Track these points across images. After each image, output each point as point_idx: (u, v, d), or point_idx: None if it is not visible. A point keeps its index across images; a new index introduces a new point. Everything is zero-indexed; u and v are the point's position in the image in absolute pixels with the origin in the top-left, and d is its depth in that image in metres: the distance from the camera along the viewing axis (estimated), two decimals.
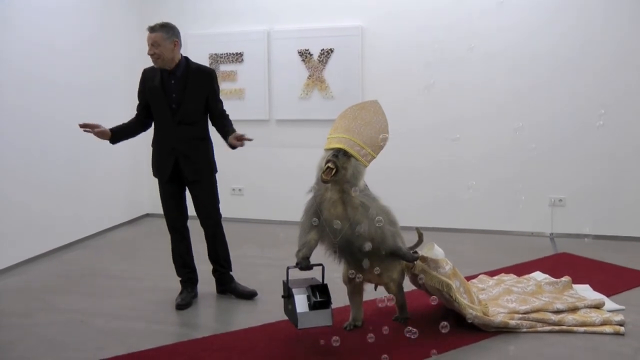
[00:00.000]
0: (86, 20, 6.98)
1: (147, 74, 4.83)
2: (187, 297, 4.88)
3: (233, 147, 4.65)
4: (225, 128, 4.77)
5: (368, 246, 3.86)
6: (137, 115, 4.91)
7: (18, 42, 5.94)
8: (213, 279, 5.10)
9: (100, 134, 4.68)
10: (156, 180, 4.94)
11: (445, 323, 3.86)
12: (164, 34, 4.57)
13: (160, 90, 4.69)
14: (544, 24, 6.61)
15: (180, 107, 4.69)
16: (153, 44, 4.57)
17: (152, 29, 4.60)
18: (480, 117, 6.89)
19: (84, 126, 4.63)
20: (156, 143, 4.87)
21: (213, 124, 4.90)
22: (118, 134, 4.79)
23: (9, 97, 5.85)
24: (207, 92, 4.77)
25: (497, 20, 6.74)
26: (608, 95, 6.50)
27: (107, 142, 4.80)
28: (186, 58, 4.79)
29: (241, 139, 4.57)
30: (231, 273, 5.09)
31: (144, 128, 4.93)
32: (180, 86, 4.69)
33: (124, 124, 4.87)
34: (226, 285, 5.05)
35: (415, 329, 3.85)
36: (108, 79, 7.29)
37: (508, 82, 6.76)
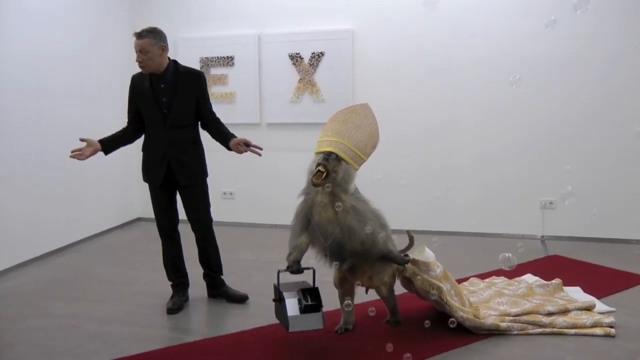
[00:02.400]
0: (78, 26, 6.96)
1: (136, 80, 4.79)
2: (178, 302, 4.87)
3: (238, 152, 4.71)
4: (222, 131, 4.80)
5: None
6: (129, 123, 4.87)
7: (10, 47, 5.93)
8: (204, 283, 5.09)
9: (91, 151, 4.64)
10: (147, 184, 4.92)
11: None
12: (152, 40, 4.53)
13: (150, 94, 4.65)
14: (535, 30, 6.62)
15: (171, 110, 4.66)
16: (141, 51, 4.53)
17: (139, 35, 4.54)
18: (471, 120, 6.91)
19: (74, 153, 4.63)
20: (147, 148, 4.84)
21: (204, 128, 4.90)
22: (110, 144, 4.75)
23: (0, 102, 5.83)
24: (197, 93, 4.75)
25: (488, 25, 6.76)
26: (598, 99, 6.53)
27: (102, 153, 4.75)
28: (174, 61, 4.75)
29: (249, 146, 4.63)
30: (222, 277, 5.09)
31: (138, 134, 4.89)
32: (170, 90, 4.66)
33: (115, 134, 4.83)
34: (217, 289, 5.04)
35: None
36: (100, 84, 7.28)
37: (499, 87, 6.76)
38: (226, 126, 4.87)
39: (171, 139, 4.70)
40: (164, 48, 4.62)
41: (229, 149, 4.74)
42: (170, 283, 5.00)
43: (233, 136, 4.75)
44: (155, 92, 4.66)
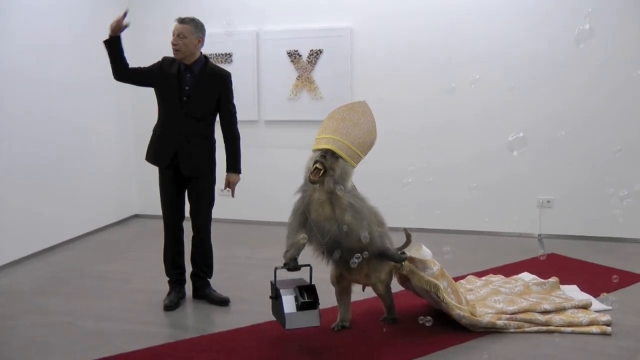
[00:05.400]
0: (75, 18, 6.93)
1: (165, 62, 4.82)
2: (175, 298, 4.86)
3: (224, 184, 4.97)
4: (233, 153, 4.91)
5: (365, 238, 3.88)
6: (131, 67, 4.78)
7: (6, 40, 5.91)
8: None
9: (117, 27, 4.62)
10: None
11: (429, 318, 4.02)
12: (192, 28, 4.66)
13: (175, 79, 4.71)
14: (534, 28, 6.63)
15: (191, 100, 4.71)
16: (179, 35, 4.63)
17: (181, 20, 4.68)
18: (469, 119, 6.91)
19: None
20: (159, 131, 4.84)
21: (221, 126, 4.94)
22: (120, 45, 4.69)
23: None
24: (220, 93, 4.83)
25: (487, 23, 6.76)
26: (596, 98, 6.54)
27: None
28: (205, 57, 4.84)
29: (229, 187, 4.97)
30: (209, 280, 5.06)
31: (123, 71, 4.74)
32: (194, 81, 4.73)
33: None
34: (201, 291, 5.00)
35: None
36: (96, 77, 7.22)
37: (497, 85, 6.77)
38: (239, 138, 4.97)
39: (185, 128, 4.74)
40: (200, 40, 4.75)
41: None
42: (168, 279, 4.99)
43: (233, 169, 4.91)
44: (180, 79, 4.72)
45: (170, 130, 4.75)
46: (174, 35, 4.65)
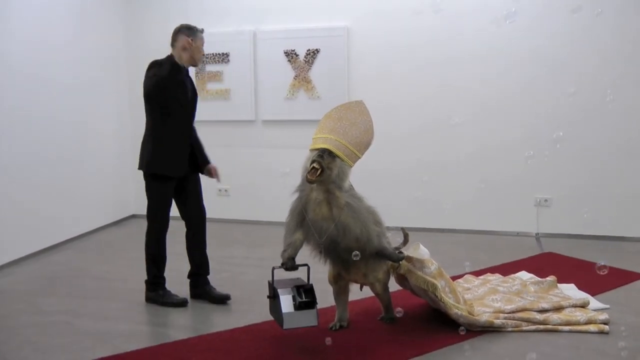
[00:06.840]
0: (74, 18, 6.93)
1: (167, 68, 4.64)
2: (175, 295, 4.89)
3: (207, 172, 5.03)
4: (201, 147, 5.01)
5: (355, 255, 3.90)
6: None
7: (4, 39, 5.90)
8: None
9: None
10: (143, 182, 4.92)
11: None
12: None
13: (183, 85, 4.74)
14: (531, 25, 6.63)
15: (190, 104, 4.82)
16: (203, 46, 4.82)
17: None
18: (467, 118, 6.90)
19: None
20: (172, 139, 4.74)
21: None
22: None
23: None
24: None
25: (484, 21, 6.75)
26: (594, 96, 6.53)
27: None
28: None
29: (215, 174, 5.01)
30: (207, 277, 5.08)
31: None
32: (190, 85, 4.84)
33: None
34: (200, 289, 4.98)
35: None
36: (94, 77, 7.24)
37: (495, 83, 6.78)
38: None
39: (189, 133, 4.86)
40: None
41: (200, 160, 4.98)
42: (161, 281, 4.97)
43: (208, 160, 5.03)
44: (184, 85, 4.77)
45: (183, 137, 4.79)
46: (201, 46, 4.76)
